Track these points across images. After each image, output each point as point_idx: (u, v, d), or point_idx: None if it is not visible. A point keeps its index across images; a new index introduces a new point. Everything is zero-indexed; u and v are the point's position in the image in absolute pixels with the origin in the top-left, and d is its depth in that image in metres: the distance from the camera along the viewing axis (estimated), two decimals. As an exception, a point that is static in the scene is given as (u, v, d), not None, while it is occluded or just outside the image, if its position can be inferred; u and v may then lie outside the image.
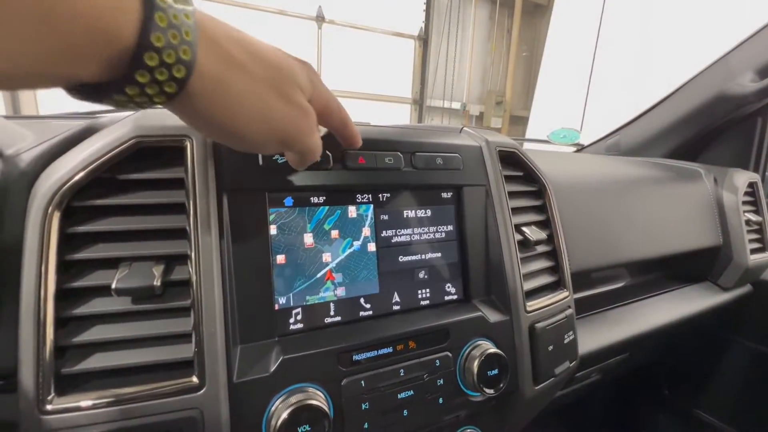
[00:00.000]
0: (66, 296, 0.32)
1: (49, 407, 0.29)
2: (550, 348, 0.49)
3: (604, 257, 0.71)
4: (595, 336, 0.67)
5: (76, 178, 0.31)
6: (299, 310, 0.39)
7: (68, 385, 0.30)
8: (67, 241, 0.32)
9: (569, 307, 0.54)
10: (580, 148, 1.32)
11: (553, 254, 0.55)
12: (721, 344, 1.00)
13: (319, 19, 4.21)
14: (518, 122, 5.47)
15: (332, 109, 0.33)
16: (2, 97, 0.75)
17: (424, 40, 4.86)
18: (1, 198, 0.33)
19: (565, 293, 0.53)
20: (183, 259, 0.34)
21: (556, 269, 0.55)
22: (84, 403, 0.29)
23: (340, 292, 0.41)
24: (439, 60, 4.99)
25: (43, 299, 0.30)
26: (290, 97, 0.28)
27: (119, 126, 0.34)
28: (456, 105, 5.24)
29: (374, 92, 4.64)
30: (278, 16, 4.04)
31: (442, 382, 0.41)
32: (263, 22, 3.96)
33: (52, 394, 0.29)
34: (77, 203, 0.32)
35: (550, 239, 0.54)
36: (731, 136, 1.02)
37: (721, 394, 1.01)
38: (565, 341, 0.51)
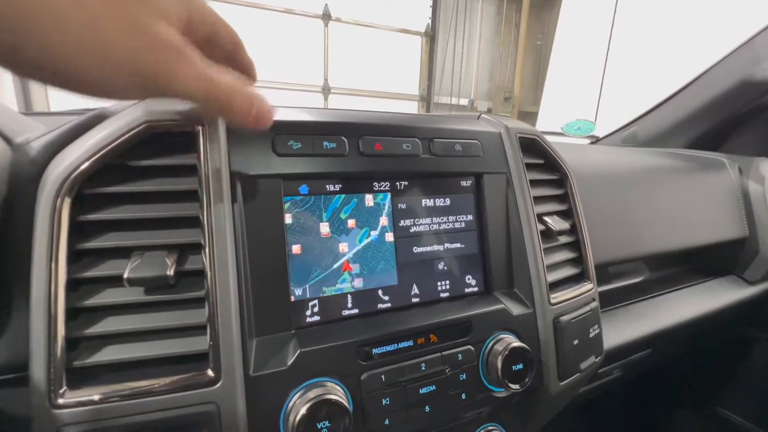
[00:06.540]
0: (77, 287, 0.31)
1: (60, 401, 0.28)
2: (576, 342, 0.47)
3: (626, 249, 0.68)
4: (618, 331, 0.65)
5: (87, 164, 0.30)
6: (316, 301, 0.37)
7: (80, 378, 0.29)
8: (78, 230, 0.31)
9: (594, 299, 0.51)
10: (595, 140, 1.28)
11: (576, 245, 0.53)
12: (746, 340, 0.96)
13: (326, 17, 4.20)
14: (527, 118, 5.39)
15: (219, 32, 0.28)
16: (14, 95, 0.76)
17: (431, 36, 4.82)
18: (11, 187, 0.33)
19: (589, 285, 0.51)
20: (196, 248, 0.33)
21: (579, 261, 0.53)
22: (96, 397, 0.28)
23: (358, 283, 0.39)
24: (447, 56, 4.95)
25: (54, 290, 0.29)
26: (142, 25, 0.21)
27: (129, 111, 0.32)
28: (464, 101, 5.19)
29: (381, 90, 4.62)
30: (285, 15, 4.03)
31: (464, 377, 0.40)
32: (270, 20, 3.96)
33: (64, 388, 0.28)
34: (88, 191, 0.31)
35: (573, 230, 0.52)
36: (756, 124, 0.98)
37: (745, 392, 0.97)
38: (591, 335, 0.49)
